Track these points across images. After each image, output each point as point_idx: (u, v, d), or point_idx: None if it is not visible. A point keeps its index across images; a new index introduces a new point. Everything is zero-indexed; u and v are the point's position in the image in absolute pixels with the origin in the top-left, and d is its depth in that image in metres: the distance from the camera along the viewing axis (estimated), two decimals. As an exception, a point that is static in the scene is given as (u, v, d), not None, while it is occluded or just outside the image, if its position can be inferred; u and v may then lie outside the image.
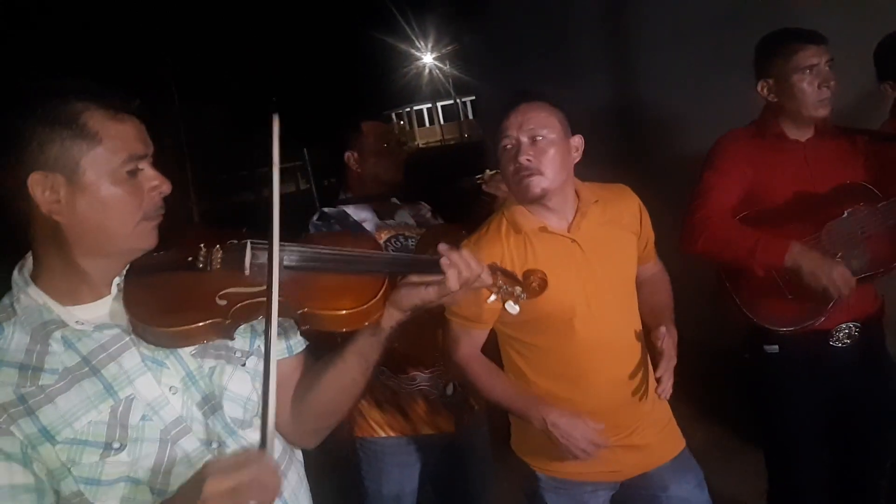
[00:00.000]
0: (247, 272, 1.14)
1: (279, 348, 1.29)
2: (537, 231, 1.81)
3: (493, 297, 1.30)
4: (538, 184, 1.75)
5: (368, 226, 2.21)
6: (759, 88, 2.20)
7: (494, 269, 1.29)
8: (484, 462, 2.34)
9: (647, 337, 1.92)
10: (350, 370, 1.25)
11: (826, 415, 2.22)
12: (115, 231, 1.08)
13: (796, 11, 2.97)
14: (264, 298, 1.07)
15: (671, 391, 1.79)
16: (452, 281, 1.18)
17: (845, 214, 2.07)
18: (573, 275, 1.80)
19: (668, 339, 1.78)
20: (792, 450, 2.27)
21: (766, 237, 2.02)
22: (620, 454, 1.86)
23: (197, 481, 0.92)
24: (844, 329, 2.15)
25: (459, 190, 2.50)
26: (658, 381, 1.78)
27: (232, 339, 1.12)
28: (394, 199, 2.37)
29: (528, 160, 1.74)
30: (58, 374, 1.05)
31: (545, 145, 1.76)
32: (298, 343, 1.33)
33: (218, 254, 1.14)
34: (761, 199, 2.14)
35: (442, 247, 1.21)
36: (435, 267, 1.19)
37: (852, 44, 2.43)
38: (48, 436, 1.02)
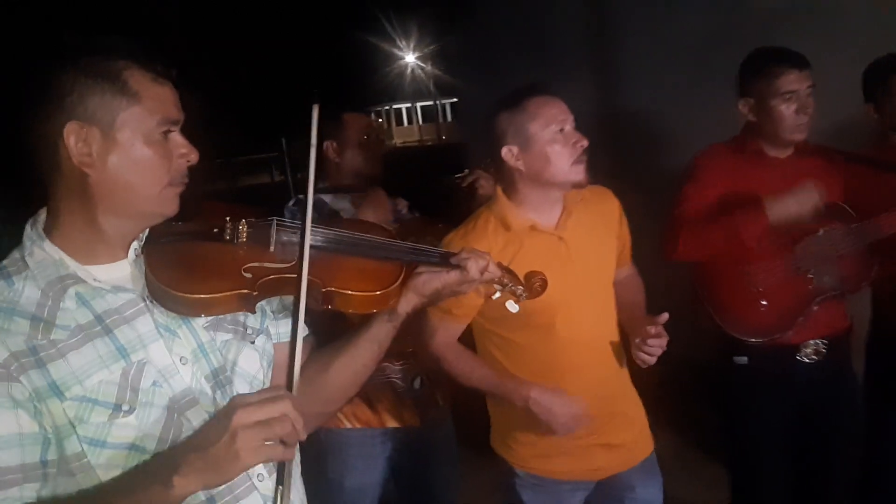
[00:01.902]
0: (272, 248, 1.17)
1: (283, 331, 1.30)
2: (527, 230, 1.83)
3: (497, 294, 1.34)
4: (585, 170, 1.81)
5: (345, 216, 2.21)
6: (739, 106, 2.23)
7: (501, 267, 1.32)
8: (448, 458, 2.34)
9: (623, 336, 1.94)
10: (363, 355, 1.28)
11: (790, 429, 2.26)
12: (141, 192, 1.09)
13: (782, 31, 3.01)
14: (289, 274, 1.11)
15: (651, 363, 1.80)
16: (474, 270, 1.25)
17: (820, 232, 2.11)
18: (558, 272, 1.78)
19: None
20: (755, 462, 2.30)
21: (738, 213, 2.05)
22: (600, 453, 1.89)
23: (223, 416, 0.93)
24: (812, 345, 2.19)
25: (438, 188, 2.50)
26: (644, 341, 1.77)
27: (253, 311, 1.15)
28: None
29: (585, 145, 1.80)
30: (69, 331, 1.03)
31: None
32: (303, 329, 1.32)
33: (244, 228, 1.16)
34: (739, 213, 2.16)
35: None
36: (448, 260, 1.27)
37: (836, 66, 2.47)
38: (57, 391, 1.00)
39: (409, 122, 48.60)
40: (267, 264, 1.13)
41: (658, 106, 3.92)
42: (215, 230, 1.15)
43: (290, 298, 1.21)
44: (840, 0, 3.04)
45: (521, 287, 1.34)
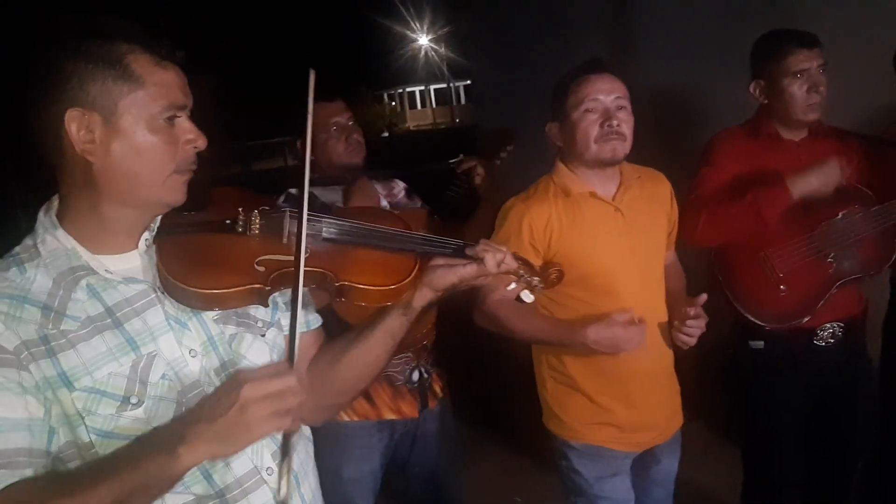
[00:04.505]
0: (285, 240, 1.15)
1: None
2: (586, 196, 1.91)
3: (513, 285, 1.31)
4: (623, 149, 1.86)
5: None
6: (751, 89, 2.21)
7: (518, 258, 1.30)
8: (448, 447, 2.31)
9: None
10: (376, 348, 1.26)
11: (805, 412, 2.26)
12: (145, 180, 1.06)
13: (801, 11, 2.97)
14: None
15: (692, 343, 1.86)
16: (491, 263, 1.22)
17: (839, 216, 2.10)
18: (615, 240, 1.90)
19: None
20: (769, 445, 2.31)
21: (760, 190, 2.03)
22: (646, 427, 1.97)
23: (230, 389, 0.94)
24: (829, 328, 2.18)
25: (436, 173, 2.39)
26: (683, 322, 1.84)
27: (266, 305, 1.14)
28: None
29: (619, 124, 1.83)
30: (80, 322, 1.03)
31: (628, 116, 1.86)
32: (315, 319, 1.33)
33: (257, 219, 1.15)
34: (756, 197, 2.14)
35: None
36: (463, 252, 1.24)
37: (857, 45, 2.43)
38: (67, 381, 1.00)
39: (423, 105, 48.43)
40: (280, 257, 1.11)
41: (677, 87, 3.89)
42: (227, 221, 1.14)
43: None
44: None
45: (537, 278, 1.31)
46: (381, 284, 1.17)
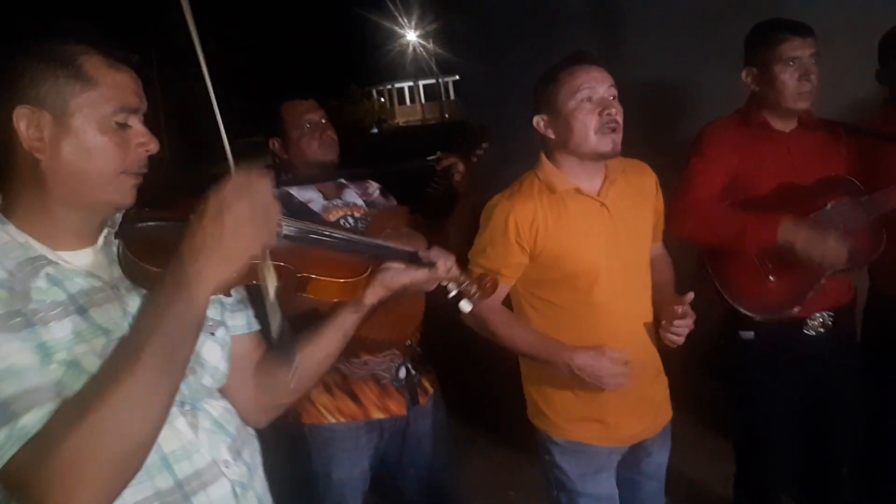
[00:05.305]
0: None
1: (239, 324, 1.29)
2: (571, 192, 1.87)
3: (453, 293, 1.37)
4: (619, 141, 1.82)
5: (315, 206, 2.14)
6: (743, 76, 2.21)
7: (460, 267, 1.36)
8: (440, 443, 2.29)
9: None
10: (327, 345, 1.31)
11: (796, 402, 2.26)
12: (93, 180, 1.05)
13: (790, 6, 2.97)
14: (262, 261, 1.11)
15: (680, 343, 1.84)
16: (442, 268, 1.30)
17: (828, 207, 2.10)
18: (600, 237, 1.88)
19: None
20: (761, 435, 2.32)
21: (755, 217, 2.04)
22: (633, 421, 1.95)
23: (209, 208, 0.97)
24: (819, 318, 2.19)
25: (415, 170, 2.38)
26: (671, 322, 1.82)
27: (229, 295, 1.19)
28: (340, 179, 2.28)
29: (617, 113, 1.80)
30: (46, 304, 0.99)
31: (620, 107, 1.82)
32: (256, 322, 1.33)
33: None
34: (745, 187, 2.16)
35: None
36: (417, 258, 1.31)
37: (847, 38, 2.43)
38: (45, 352, 0.96)
39: (412, 100, 48.35)
40: None
41: (664, 82, 3.89)
42: (192, 216, 1.13)
43: (244, 291, 1.29)
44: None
45: (475, 286, 1.38)
46: (340, 277, 1.24)
